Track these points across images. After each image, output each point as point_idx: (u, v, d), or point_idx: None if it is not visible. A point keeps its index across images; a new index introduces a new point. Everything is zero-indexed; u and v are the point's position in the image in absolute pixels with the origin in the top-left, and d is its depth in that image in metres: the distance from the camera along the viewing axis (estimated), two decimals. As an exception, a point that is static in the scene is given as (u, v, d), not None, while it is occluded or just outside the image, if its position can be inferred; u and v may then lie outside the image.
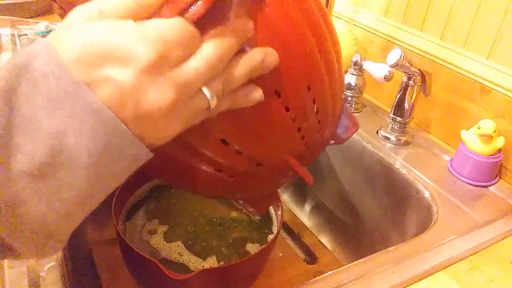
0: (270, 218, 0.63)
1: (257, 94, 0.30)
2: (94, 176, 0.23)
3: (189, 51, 0.25)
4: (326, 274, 0.46)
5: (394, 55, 0.63)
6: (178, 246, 0.57)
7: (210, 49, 0.26)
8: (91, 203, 0.25)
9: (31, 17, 1.03)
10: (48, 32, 0.96)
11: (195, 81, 0.25)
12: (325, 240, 0.80)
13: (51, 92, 0.22)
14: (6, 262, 0.43)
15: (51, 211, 0.23)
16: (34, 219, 0.22)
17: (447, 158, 0.69)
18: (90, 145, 0.23)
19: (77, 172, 0.23)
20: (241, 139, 0.34)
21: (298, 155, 0.38)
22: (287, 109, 0.34)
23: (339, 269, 0.47)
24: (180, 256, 0.55)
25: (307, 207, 0.86)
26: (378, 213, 0.71)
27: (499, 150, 0.63)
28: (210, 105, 0.27)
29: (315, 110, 0.36)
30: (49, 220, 0.23)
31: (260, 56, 0.29)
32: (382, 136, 0.73)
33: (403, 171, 0.66)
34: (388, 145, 0.72)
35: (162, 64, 0.24)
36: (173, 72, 0.24)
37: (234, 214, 0.63)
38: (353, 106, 0.80)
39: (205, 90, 0.26)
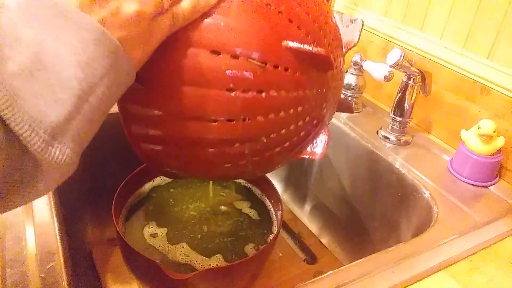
0: (270, 218, 0.63)
1: None
2: (81, 74, 0.26)
3: None
4: (326, 274, 0.46)
5: (394, 55, 0.63)
6: (183, 247, 0.57)
7: None
8: (88, 108, 0.28)
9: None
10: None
11: None
12: (325, 240, 0.80)
13: (23, 8, 0.26)
14: (6, 262, 0.43)
15: (52, 110, 0.25)
16: (35, 114, 0.25)
17: (447, 158, 0.69)
18: (69, 46, 0.26)
19: (64, 71, 0.26)
20: (229, 40, 0.34)
21: (299, 41, 0.37)
22: None
23: (339, 269, 0.47)
24: (187, 256, 0.55)
25: (307, 207, 0.86)
26: (378, 213, 0.71)
27: (499, 150, 0.63)
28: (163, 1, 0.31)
29: None
30: (51, 118, 0.25)
31: None
32: (382, 136, 0.73)
33: (403, 171, 0.66)
34: (388, 145, 0.72)
35: None
36: None
37: (234, 214, 0.64)
38: (353, 106, 0.80)
39: None
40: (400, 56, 0.63)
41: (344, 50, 0.47)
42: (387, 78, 0.69)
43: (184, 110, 0.36)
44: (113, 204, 0.54)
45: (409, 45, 0.77)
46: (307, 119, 0.41)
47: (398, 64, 0.63)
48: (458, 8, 0.69)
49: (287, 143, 0.41)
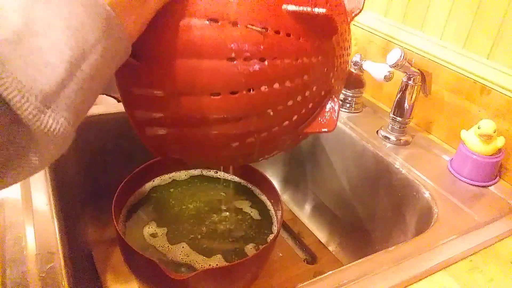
0: (270, 218, 0.63)
1: None
2: (72, 39, 0.26)
3: None
4: (326, 274, 0.46)
5: (394, 55, 0.63)
6: (183, 247, 0.57)
7: None
8: (81, 76, 0.27)
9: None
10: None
11: None
12: (325, 240, 0.80)
13: None
14: (6, 262, 0.43)
15: (42, 76, 0.25)
16: (25, 79, 0.24)
17: (447, 158, 0.69)
18: (58, 10, 0.25)
19: (54, 35, 0.25)
20: (226, 7, 0.33)
21: (299, 4, 0.35)
22: None
23: (339, 269, 0.47)
24: (187, 256, 0.55)
25: (307, 207, 0.86)
26: (378, 213, 0.71)
27: (499, 150, 0.63)
28: None
29: None
30: (42, 84, 0.25)
31: None
32: (382, 136, 0.73)
33: (403, 171, 0.66)
34: (388, 145, 0.72)
35: None
36: None
37: (234, 214, 0.64)
38: (353, 106, 0.80)
39: None
40: (400, 56, 0.63)
41: (349, 18, 0.45)
42: (387, 78, 0.69)
43: (184, 84, 0.34)
44: (113, 204, 0.54)
45: (409, 45, 0.77)
46: (314, 89, 0.39)
47: (398, 64, 0.63)
48: (458, 8, 0.69)
49: (295, 116, 0.39)
